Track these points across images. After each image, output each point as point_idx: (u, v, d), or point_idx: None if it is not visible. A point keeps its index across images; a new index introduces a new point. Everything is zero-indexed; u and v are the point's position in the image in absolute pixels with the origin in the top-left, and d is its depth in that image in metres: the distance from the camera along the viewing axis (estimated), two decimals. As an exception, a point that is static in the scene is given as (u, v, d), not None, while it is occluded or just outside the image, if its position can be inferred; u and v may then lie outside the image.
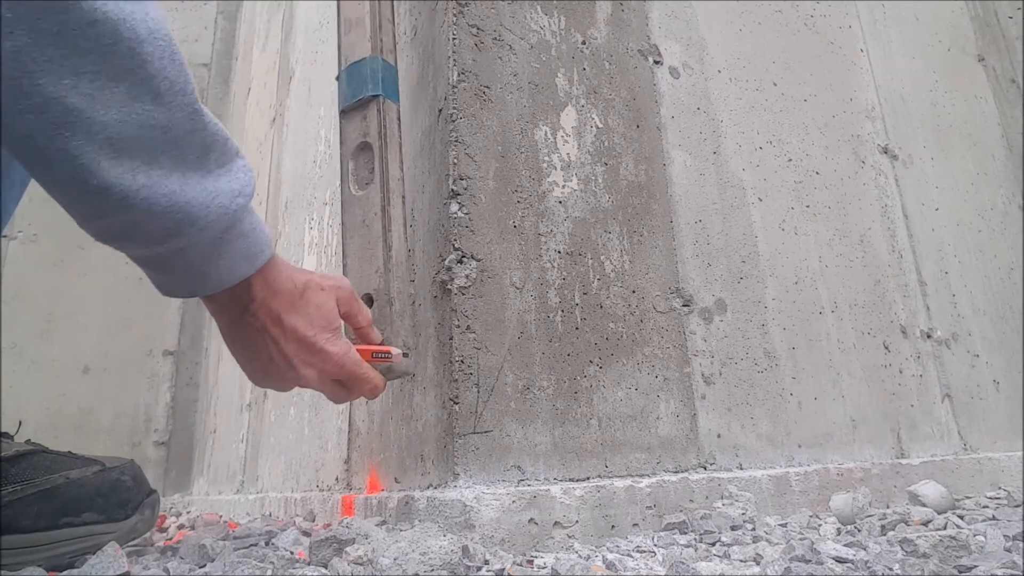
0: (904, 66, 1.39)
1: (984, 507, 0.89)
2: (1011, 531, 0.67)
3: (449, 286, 0.72)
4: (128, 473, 0.70)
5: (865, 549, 0.62)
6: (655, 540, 0.67)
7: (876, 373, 1.06)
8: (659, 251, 0.89)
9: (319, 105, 1.27)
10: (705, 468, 0.83)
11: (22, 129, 0.41)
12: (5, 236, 1.79)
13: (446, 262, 0.73)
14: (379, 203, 0.74)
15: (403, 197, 0.76)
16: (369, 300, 0.73)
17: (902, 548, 0.60)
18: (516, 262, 0.77)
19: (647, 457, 0.79)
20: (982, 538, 0.64)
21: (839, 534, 0.72)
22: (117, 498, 0.67)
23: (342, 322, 0.64)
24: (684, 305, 0.89)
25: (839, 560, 0.58)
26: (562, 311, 0.78)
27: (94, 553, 0.58)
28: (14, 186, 0.63)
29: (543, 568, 0.57)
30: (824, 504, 0.86)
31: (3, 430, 0.68)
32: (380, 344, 0.70)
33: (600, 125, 0.89)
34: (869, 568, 0.56)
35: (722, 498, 0.78)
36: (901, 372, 1.10)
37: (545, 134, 0.84)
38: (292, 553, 0.63)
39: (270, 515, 1.04)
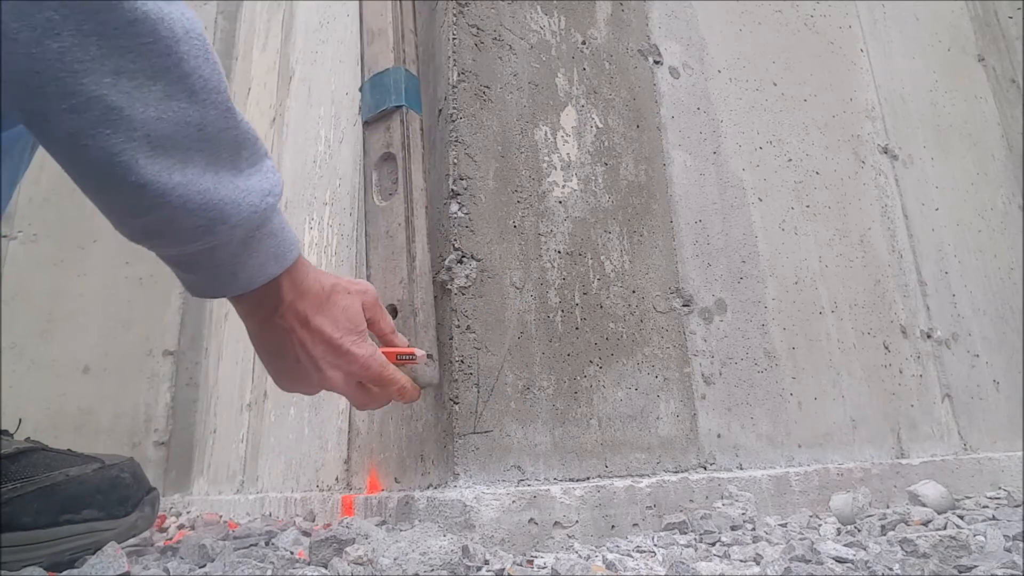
0: (904, 66, 1.39)
1: (984, 507, 0.89)
2: (1011, 531, 0.67)
3: (449, 286, 0.72)
4: (128, 470, 0.70)
5: (865, 549, 0.62)
6: (655, 540, 0.67)
7: (876, 373, 1.06)
8: (659, 251, 0.89)
9: (319, 105, 1.27)
10: (705, 468, 0.83)
11: (65, 129, 0.42)
12: (5, 236, 1.79)
13: (446, 262, 0.73)
14: (403, 214, 0.74)
15: (427, 207, 0.75)
16: (393, 311, 0.73)
17: (902, 548, 0.60)
18: (516, 262, 0.77)
19: (647, 457, 0.79)
20: (982, 538, 0.64)
21: (839, 534, 0.72)
22: (117, 495, 0.67)
23: (366, 326, 0.64)
24: (684, 305, 0.89)
25: (839, 560, 0.58)
26: (562, 311, 0.78)
27: (94, 551, 0.58)
28: (5, 185, 0.63)
29: (543, 568, 0.57)
30: (824, 504, 0.86)
31: (3, 428, 0.68)
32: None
33: (600, 125, 0.89)
34: (869, 568, 0.56)
35: (722, 498, 0.78)
36: (901, 372, 1.10)
37: (545, 134, 0.84)
38: (292, 553, 0.63)
39: (270, 515, 1.04)
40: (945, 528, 0.75)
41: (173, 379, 1.90)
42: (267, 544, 0.69)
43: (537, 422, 0.72)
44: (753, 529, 0.72)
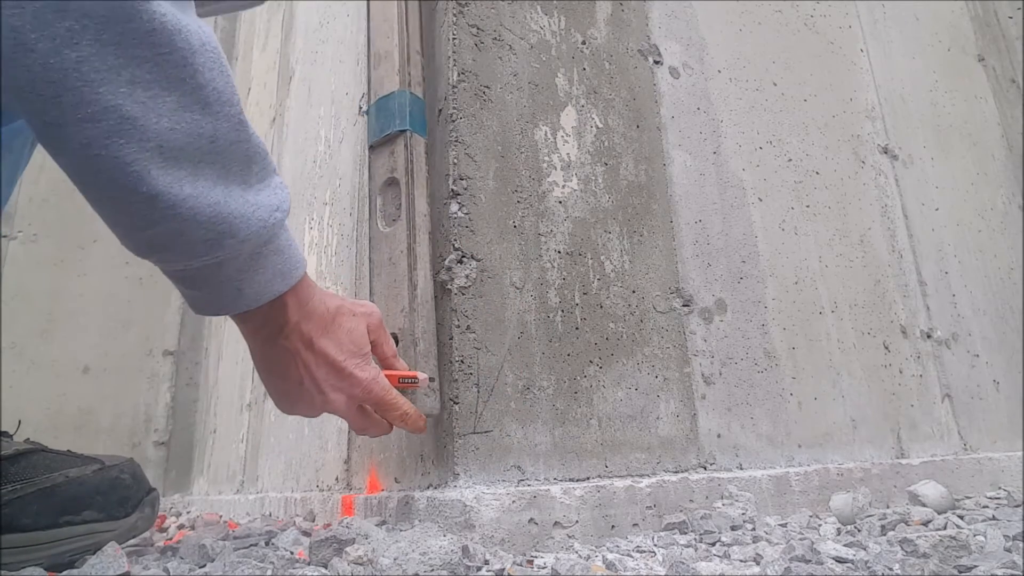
0: (904, 66, 1.39)
1: (984, 507, 0.89)
2: (1011, 531, 0.67)
3: (449, 286, 0.72)
4: (127, 471, 0.70)
5: (865, 549, 0.62)
6: (655, 540, 0.67)
7: (876, 373, 1.06)
8: (659, 251, 0.89)
9: (319, 105, 1.27)
10: (705, 468, 0.83)
11: (80, 138, 0.42)
12: (5, 236, 1.79)
13: (446, 262, 0.73)
14: (405, 241, 0.74)
15: (430, 234, 0.75)
16: (395, 340, 0.72)
17: (902, 548, 0.60)
18: (516, 262, 0.77)
19: (647, 457, 0.79)
20: (982, 538, 0.64)
21: (839, 534, 0.72)
22: (117, 496, 0.67)
23: (371, 349, 0.64)
24: (684, 305, 0.89)
25: (839, 560, 0.58)
26: (562, 311, 0.78)
27: (94, 552, 0.58)
28: (4, 183, 0.63)
29: (543, 568, 0.57)
30: (824, 504, 0.86)
31: (2, 429, 0.68)
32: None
33: (600, 125, 0.89)
34: (869, 568, 0.56)
35: (722, 498, 0.78)
36: (901, 372, 1.10)
37: (545, 134, 0.84)
38: (292, 553, 0.63)
39: (270, 515, 1.04)
40: (945, 528, 0.75)
41: (173, 379, 1.90)
42: (267, 544, 0.69)
43: (537, 422, 0.72)
44: (753, 529, 0.72)
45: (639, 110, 0.94)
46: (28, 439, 0.68)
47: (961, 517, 0.80)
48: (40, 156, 0.68)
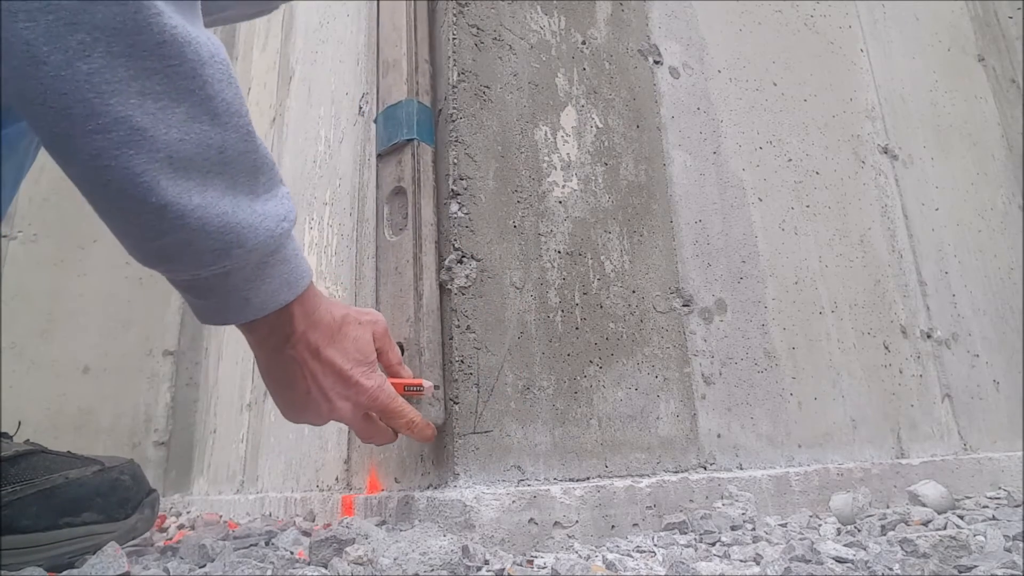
0: (904, 66, 1.39)
1: (984, 507, 0.89)
2: (1011, 531, 0.67)
3: (449, 286, 0.72)
4: (127, 472, 0.70)
5: (865, 549, 0.62)
6: (655, 540, 0.67)
7: (876, 373, 1.06)
8: (659, 251, 0.89)
9: (319, 105, 1.27)
10: (705, 468, 0.83)
11: (90, 149, 0.43)
12: (5, 236, 1.79)
13: (446, 262, 0.73)
14: (411, 250, 0.74)
15: (436, 243, 0.75)
16: (400, 349, 0.73)
17: (902, 548, 0.60)
18: (516, 262, 0.77)
19: (647, 457, 0.79)
20: (982, 538, 0.64)
21: (839, 534, 0.72)
22: (117, 497, 0.67)
23: (376, 357, 0.65)
24: (684, 305, 0.89)
25: (839, 560, 0.58)
26: (562, 311, 0.78)
27: (94, 553, 0.58)
28: (6, 185, 0.63)
29: (543, 568, 0.57)
30: (824, 504, 0.86)
31: (2, 430, 0.68)
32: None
33: (600, 125, 0.89)
34: (869, 568, 0.56)
35: (722, 498, 0.78)
36: (901, 372, 1.10)
37: (545, 134, 0.84)
38: (292, 553, 0.63)
39: (270, 515, 1.04)
40: (945, 528, 0.75)
41: (173, 379, 1.90)
42: (267, 544, 0.69)
43: (537, 422, 0.72)
44: (753, 529, 0.72)
45: (639, 110, 0.94)
46: (28, 440, 0.68)
47: (961, 517, 0.80)
48: (41, 156, 0.68)
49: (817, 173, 1.14)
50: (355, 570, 0.54)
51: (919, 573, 0.54)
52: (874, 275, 1.14)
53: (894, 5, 1.44)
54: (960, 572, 0.54)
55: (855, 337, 1.06)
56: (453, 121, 0.77)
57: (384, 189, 0.81)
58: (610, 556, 0.60)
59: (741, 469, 0.86)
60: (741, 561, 0.59)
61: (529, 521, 0.65)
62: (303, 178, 1.29)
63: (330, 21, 1.29)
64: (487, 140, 0.79)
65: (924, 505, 0.85)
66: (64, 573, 0.56)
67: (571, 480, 0.72)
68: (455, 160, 0.76)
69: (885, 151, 1.27)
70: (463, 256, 0.73)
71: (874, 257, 1.15)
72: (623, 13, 0.98)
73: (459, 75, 0.79)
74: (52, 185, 1.85)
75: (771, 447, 0.90)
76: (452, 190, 0.75)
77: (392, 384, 0.65)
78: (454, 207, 0.75)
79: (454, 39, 0.80)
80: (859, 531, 0.73)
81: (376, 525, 0.69)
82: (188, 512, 1.44)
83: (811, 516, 0.79)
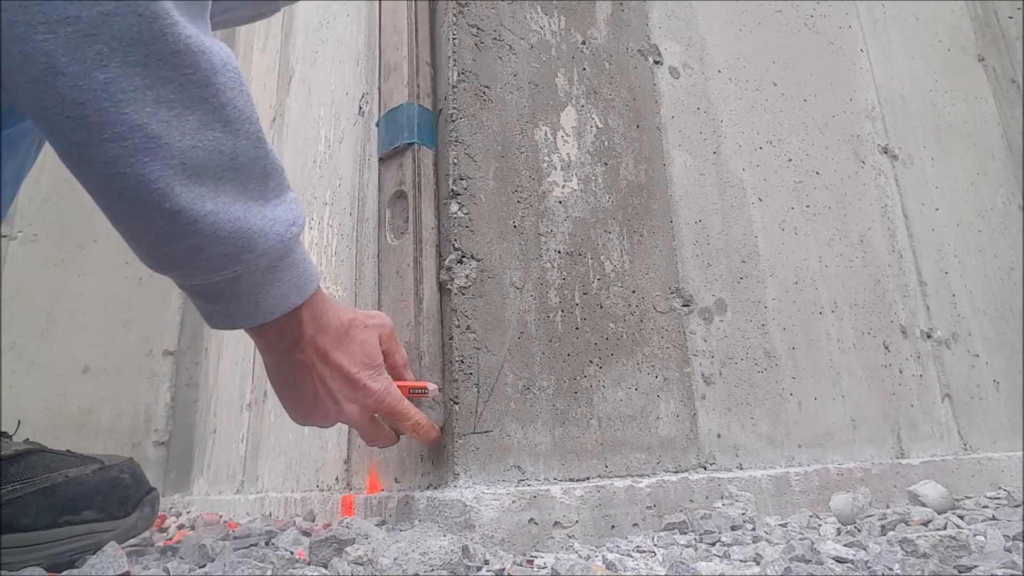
0: (904, 66, 1.39)
1: (984, 507, 0.89)
2: (1011, 531, 0.67)
3: (449, 286, 0.72)
4: (127, 471, 0.70)
5: (865, 549, 0.62)
6: (655, 540, 0.67)
7: (876, 373, 1.06)
8: (659, 251, 0.89)
9: (319, 105, 1.27)
10: (705, 468, 0.83)
11: (106, 157, 0.43)
12: (5, 236, 1.79)
13: (446, 262, 0.73)
14: (412, 254, 0.74)
15: (437, 247, 0.75)
16: None
17: (902, 548, 0.60)
18: (516, 262, 0.77)
19: (647, 457, 0.79)
20: (982, 538, 0.64)
21: (839, 534, 0.72)
22: (116, 496, 0.67)
23: (383, 360, 0.66)
24: (684, 305, 0.89)
25: (839, 560, 0.58)
26: (562, 311, 0.78)
27: (94, 552, 0.58)
28: (7, 185, 0.63)
29: (543, 568, 0.57)
30: (824, 504, 0.86)
31: (2, 430, 0.68)
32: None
33: (600, 125, 0.89)
34: (869, 568, 0.56)
35: (722, 498, 0.78)
36: (901, 372, 1.10)
37: (545, 134, 0.84)
38: (292, 553, 0.63)
39: (270, 515, 1.04)
40: (945, 528, 0.75)
41: (173, 379, 1.90)
42: (267, 544, 0.69)
43: (537, 422, 0.72)
44: (753, 529, 0.72)
45: (639, 110, 0.94)
46: (27, 439, 0.68)
47: (961, 517, 0.80)
48: (42, 156, 0.68)
49: (817, 173, 1.14)
50: (355, 570, 0.54)
51: (919, 573, 0.54)
52: (874, 275, 1.14)
53: (894, 5, 1.44)
54: (960, 572, 0.54)
55: (855, 337, 1.06)
56: (453, 121, 0.77)
57: (386, 193, 0.81)
58: (610, 556, 0.60)
59: (741, 469, 0.86)
60: (741, 561, 0.59)
61: (529, 521, 0.65)
62: (303, 178, 1.29)
63: (330, 21, 1.29)
64: (487, 140, 0.79)
65: (924, 505, 0.85)
66: (64, 573, 0.56)
67: (571, 480, 0.72)
68: (455, 160, 0.76)
69: (885, 151, 1.27)
70: (463, 256, 0.73)
71: (874, 257, 1.15)
72: (623, 13, 0.98)
73: (459, 75, 0.79)
74: (52, 185, 1.85)
75: (771, 447, 0.90)
76: (452, 190, 0.75)
77: (398, 387, 0.66)
78: (454, 207, 0.75)
79: (454, 39, 0.80)
80: (859, 531, 0.73)
81: (376, 525, 0.69)
82: (188, 512, 1.44)
83: (811, 516, 0.79)
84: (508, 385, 0.72)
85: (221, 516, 1.22)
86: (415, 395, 0.67)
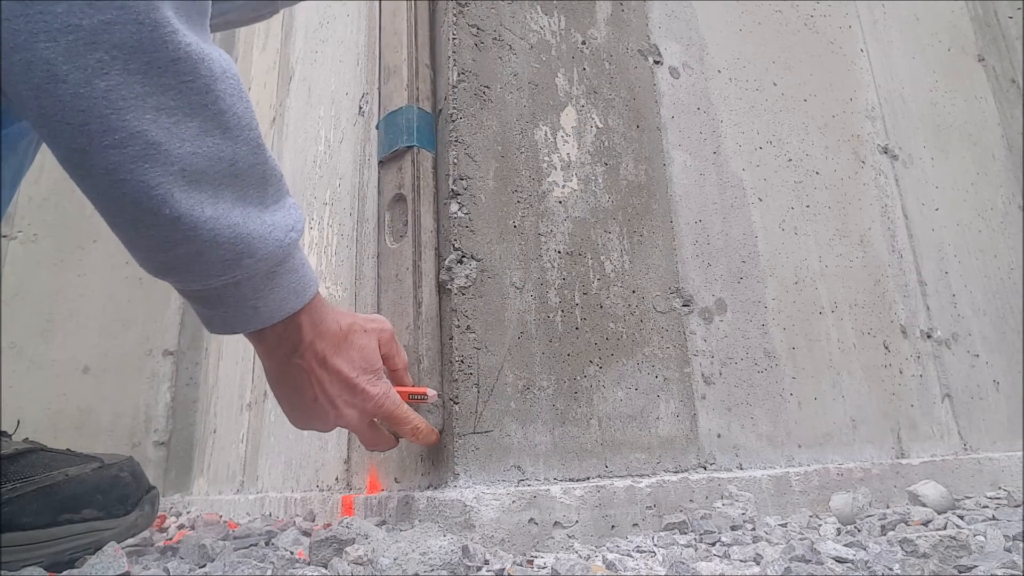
0: (904, 66, 1.39)
1: (984, 507, 0.89)
2: (1011, 531, 0.67)
3: (449, 286, 0.72)
4: (127, 469, 0.70)
5: (865, 549, 0.62)
6: (655, 540, 0.67)
7: (876, 373, 1.06)
8: (659, 251, 0.89)
9: (319, 105, 1.27)
10: (705, 468, 0.83)
11: (106, 163, 0.44)
12: (5, 236, 1.79)
13: (446, 262, 0.73)
14: (411, 258, 0.74)
15: (436, 250, 0.75)
16: None
17: (902, 548, 0.60)
18: (516, 262, 0.77)
19: (647, 457, 0.79)
20: (982, 538, 0.64)
21: (839, 534, 0.72)
22: (116, 494, 0.67)
23: (382, 364, 0.66)
24: (684, 305, 0.89)
25: (839, 560, 0.58)
26: (562, 311, 0.78)
27: (94, 550, 0.58)
28: (6, 185, 0.63)
29: (543, 568, 0.57)
30: (824, 504, 0.86)
31: (2, 429, 0.68)
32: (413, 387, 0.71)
33: (600, 125, 0.89)
34: (869, 568, 0.56)
35: (722, 498, 0.78)
36: (901, 372, 1.10)
37: (545, 134, 0.84)
38: (292, 553, 0.63)
39: (270, 515, 1.04)
40: (945, 528, 0.75)
41: (173, 379, 1.90)
42: (267, 544, 0.69)
43: (537, 422, 0.72)
44: (753, 529, 0.72)
45: (639, 110, 0.94)
46: (27, 438, 0.68)
47: (961, 517, 0.80)
48: (41, 156, 0.68)
49: (817, 173, 1.14)
50: (355, 570, 0.54)
51: (919, 573, 0.54)
52: (874, 275, 1.14)
53: (894, 5, 1.44)
54: (960, 572, 0.54)
55: (855, 337, 1.06)
56: (453, 121, 0.77)
57: (385, 195, 0.81)
58: (610, 556, 0.60)
59: (741, 469, 0.86)
60: (741, 561, 0.59)
61: (529, 521, 0.65)
62: (303, 178, 1.29)
63: (330, 21, 1.29)
64: (487, 140, 0.79)
65: (924, 505, 0.85)
66: (64, 572, 0.56)
67: (571, 480, 0.72)
68: (455, 160, 0.76)
69: (885, 151, 1.27)
70: (463, 256, 0.73)
71: (874, 257, 1.15)
72: (623, 13, 0.98)
73: (459, 75, 0.79)
74: (52, 185, 1.85)
75: (771, 447, 0.90)
76: (452, 190, 0.75)
77: (398, 392, 0.66)
78: (454, 207, 0.75)
79: (454, 39, 0.80)
80: (859, 531, 0.73)
81: (376, 525, 0.69)
82: (188, 512, 1.44)
83: (811, 516, 0.79)
84: (508, 385, 0.72)
85: (221, 516, 1.22)
86: (414, 401, 0.68)
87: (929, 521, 0.78)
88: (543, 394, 0.74)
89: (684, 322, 0.88)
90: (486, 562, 0.57)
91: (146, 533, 0.76)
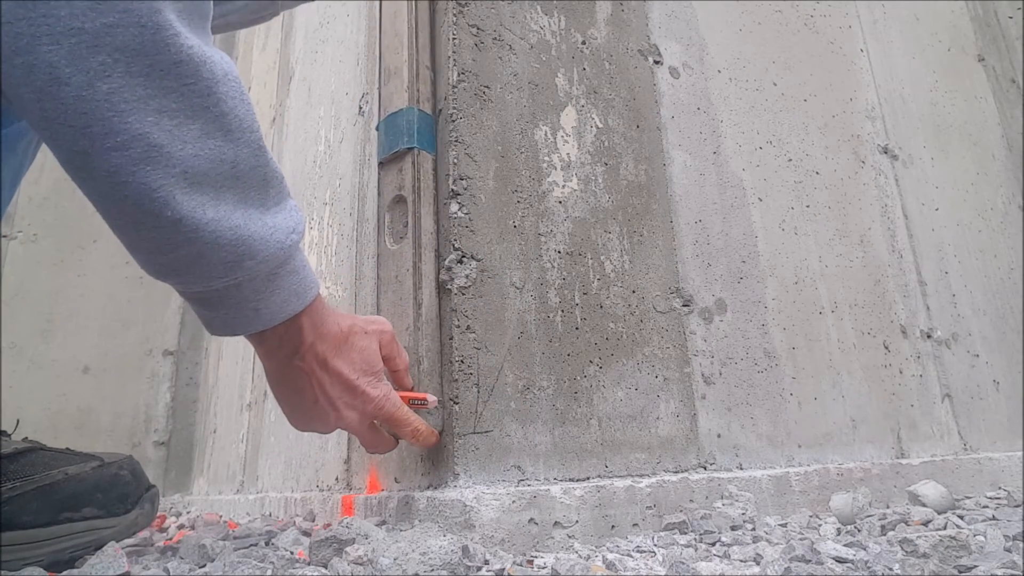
0: (904, 66, 1.39)
1: (984, 507, 0.89)
2: (1011, 531, 0.67)
3: (449, 286, 0.72)
4: (127, 468, 0.70)
5: (865, 549, 0.62)
6: (655, 540, 0.67)
7: (876, 373, 1.06)
8: (659, 251, 0.89)
9: (319, 105, 1.27)
10: (705, 468, 0.83)
11: (108, 166, 0.44)
12: (5, 236, 1.79)
13: (446, 262, 0.73)
14: (411, 259, 0.74)
15: (436, 252, 0.75)
16: None
17: (902, 548, 0.60)
18: (516, 262, 0.77)
19: (647, 457, 0.79)
20: (982, 538, 0.64)
21: (839, 534, 0.72)
22: (116, 493, 0.67)
23: (383, 366, 0.66)
24: (684, 305, 0.89)
25: (839, 560, 0.58)
26: (562, 311, 0.78)
27: (94, 549, 0.58)
28: (6, 185, 0.63)
29: (543, 568, 0.57)
30: (824, 504, 0.86)
31: (1, 428, 0.68)
32: (412, 390, 0.71)
33: (600, 125, 0.89)
34: (869, 568, 0.56)
35: (722, 498, 0.78)
36: (901, 372, 1.10)
37: (545, 134, 0.84)
38: (292, 553, 0.63)
39: (270, 515, 1.04)
40: (945, 528, 0.75)
41: (173, 379, 1.90)
42: (267, 544, 0.69)
43: (537, 422, 0.72)
44: (753, 529, 0.72)
45: (639, 110, 0.94)
46: (26, 438, 0.68)
47: (961, 517, 0.80)
48: (41, 156, 0.68)
49: (817, 173, 1.14)
50: (355, 570, 0.53)
51: (919, 573, 0.54)
52: (874, 275, 1.14)
53: (894, 5, 1.44)
54: (960, 572, 0.54)
55: (855, 337, 1.06)
56: (453, 121, 0.77)
57: (386, 197, 0.81)
58: (610, 556, 0.60)
59: (741, 469, 0.86)
60: (741, 561, 0.59)
61: (529, 521, 0.65)
62: (303, 178, 1.29)
63: (330, 21, 1.29)
64: (487, 140, 0.79)
65: (924, 505, 0.85)
66: (64, 572, 0.56)
67: (571, 480, 0.72)
68: (455, 160, 0.76)
69: (885, 151, 1.27)
70: (463, 256, 0.73)
71: (874, 257, 1.15)
72: (623, 13, 0.98)
73: (459, 75, 0.79)
74: (52, 185, 1.85)
75: (771, 447, 0.90)
76: (452, 190, 0.75)
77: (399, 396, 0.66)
78: (454, 207, 0.75)
79: (454, 39, 0.80)
80: (859, 531, 0.73)
81: (376, 525, 0.69)
82: (188, 512, 1.44)
83: (811, 516, 0.79)
84: (508, 385, 0.72)
85: (221, 516, 1.22)
86: (414, 406, 0.68)
87: (929, 521, 0.78)
88: (543, 394, 0.74)
89: (684, 322, 0.88)
90: (486, 562, 0.57)
91: (146, 533, 0.76)
